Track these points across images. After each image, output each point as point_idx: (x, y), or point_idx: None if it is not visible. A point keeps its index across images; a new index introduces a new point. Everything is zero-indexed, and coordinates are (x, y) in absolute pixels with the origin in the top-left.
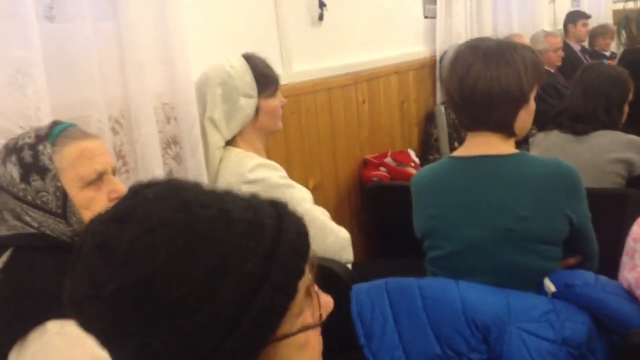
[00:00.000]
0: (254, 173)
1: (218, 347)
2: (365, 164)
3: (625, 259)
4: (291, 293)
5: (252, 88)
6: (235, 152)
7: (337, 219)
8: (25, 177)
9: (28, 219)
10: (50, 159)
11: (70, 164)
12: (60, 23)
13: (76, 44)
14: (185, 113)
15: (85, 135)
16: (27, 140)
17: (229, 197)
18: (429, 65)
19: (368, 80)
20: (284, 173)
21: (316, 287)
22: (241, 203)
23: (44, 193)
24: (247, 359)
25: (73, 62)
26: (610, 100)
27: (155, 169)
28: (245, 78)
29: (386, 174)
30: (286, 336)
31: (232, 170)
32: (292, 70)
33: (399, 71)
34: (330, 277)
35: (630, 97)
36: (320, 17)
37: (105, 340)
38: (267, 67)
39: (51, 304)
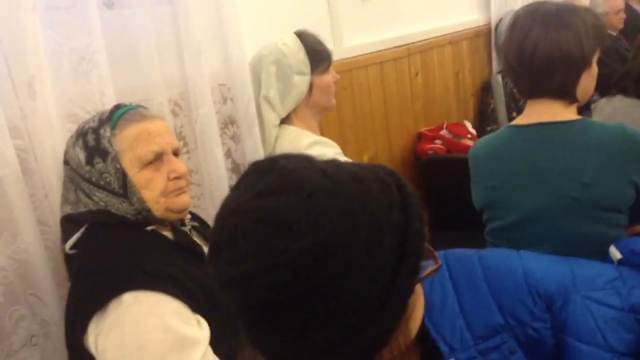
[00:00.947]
0: (310, 150)
1: (385, 297)
2: (420, 137)
3: None
4: (424, 237)
5: (305, 65)
6: (290, 129)
7: None
8: (89, 160)
9: (96, 198)
10: (110, 142)
11: (129, 146)
12: (119, 9)
13: (135, 30)
14: (241, 93)
15: (144, 117)
16: (92, 124)
17: (344, 163)
18: (484, 34)
19: (421, 52)
20: (338, 149)
21: None
22: (357, 166)
23: (106, 174)
24: (404, 306)
25: (133, 48)
26: None
27: (214, 148)
28: (299, 56)
29: (442, 147)
30: (420, 280)
31: (288, 148)
32: (344, 45)
33: (452, 41)
34: None
35: None
36: None
37: (280, 309)
38: (319, 43)
39: (125, 276)
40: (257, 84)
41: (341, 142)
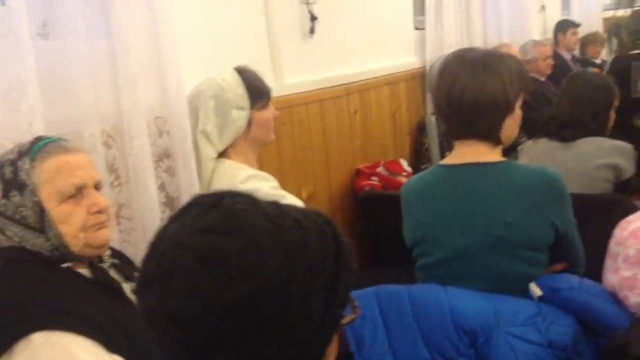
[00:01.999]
0: (246, 184)
1: (308, 347)
2: (358, 173)
3: (608, 262)
4: (351, 289)
5: (244, 100)
6: (227, 163)
7: None
8: (5, 193)
9: (10, 233)
10: (28, 174)
11: (49, 179)
12: (54, 40)
13: (69, 61)
14: (178, 126)
15: (65, 149)
16: (10, 156)
17: (285, 207)
18: (420, 76)
19: (360, 92)
20: (275, 183)
21: None
22: (298, 212)
23: (22, 208)
24: (322, 355)
25: (66, 78)
26: (597, 107)
27: (147, 182)
28: (238, 91)
29: (378, 183)
30: (340, 329)
31: (224, 182)
32: (284, 82)
33: (390, 82)
34: None
35: (616, 103)
36: (312, 30)
37: (213, 349)
38: (259, 79)
39: (33, 315)
40: (195, 117)
41: (280, 176)
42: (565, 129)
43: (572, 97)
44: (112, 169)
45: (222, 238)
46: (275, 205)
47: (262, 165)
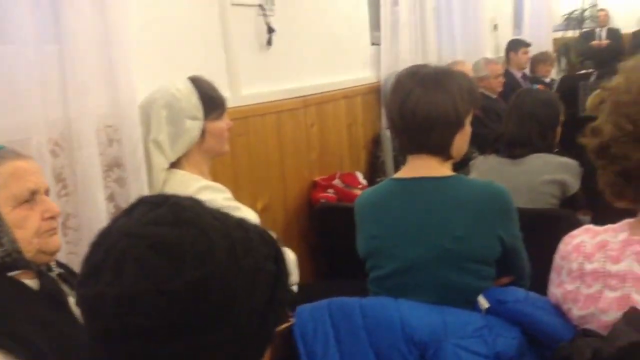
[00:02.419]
0: (199, 195)
1: (251, 342)
2: (314, 185)
3: (553, 276)
4: (287, 289)
5: (198, 110)
6: (179, 174)
7: (286, 240)
8: None
9: None
10: None
11: (3, 183)
12: (1, 45)
13: (17, 66)
14: (129, 135)
15: (17, 155)
16: None
17: (226, 212)
18: (375, 90)
19: (317, 104)
20: (229, 195)
21: None
22: (239, 217)
23: None
24: (263, 353)
25: (13, 84)
26: (543, 124)
27: (96, 192)
28: (191, 100)
29: (334, 196)
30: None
31: (176, 192)
32: (241, 93)
33: (347, 96)
34: None
35: (562, 118)
36: (269, 42)
37: (160, 334)
38: (214, 89)
39: None
40: (147, 126)
41: (235, 188)
42: (514, 147)
43: (519, 115)
44: (59, 178)
45: (173, 228)
46: (220, 210)
47: (216, 176)
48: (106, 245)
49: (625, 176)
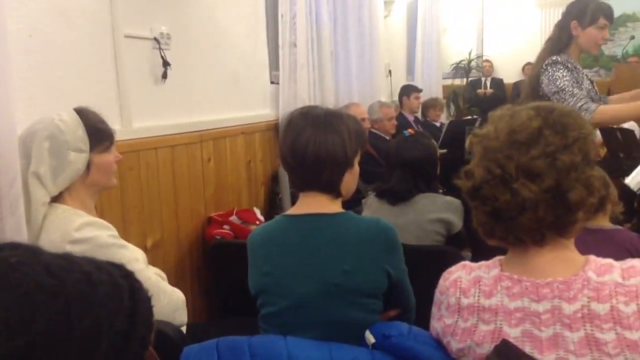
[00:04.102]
0: (81, 232)
1: None
2: (210, 221)
3: (434, 310)
4: (148, 345)
5: (83, 143)
6: (61, 209)
7: (178, 277)
8: None
9: None
10: None
11: None
12: None
13: None
14: (6, 166)
15: None
16: None
17: (77, 259)
18: (274, 128)
19: (214, 139)
20: (114, 232)
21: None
22: (91, 265)
23: None
24: None
25: None
26: (427, 176)
27: None
28: (77, 132)
29: (230, 232)
30: None
31: (56, 228)
32: (132, 126)
33: (245, 132)
34: (162, 340)
35: (438, 155)
36: (164, 76)
37: None
38: (101, 121)
39: None
40: (27, 158)
41: (123, 224)
42: (400, 193)
43: (402, 171)
44: None
45: None
46: (64, 257)
47: (103, 212)
48: None
49: (494, 216)
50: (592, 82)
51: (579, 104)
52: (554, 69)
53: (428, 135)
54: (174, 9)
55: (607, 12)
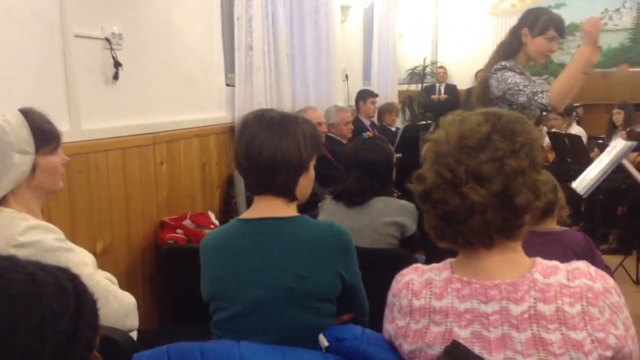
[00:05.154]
0: (26, 236)
1: None
2: (162, 225)
3: (386, 312)
4: (92, 347)
5: (28, 144)
6: (5, 212)
7: (129, 282)
8: None
9: None
10: None
11: None
12: None
13: None
14: None
15: None
16: None
17: (22, 261)
18: (230, 131)
19: (167, 142)
20: (61, 235)
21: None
22: (36, 267)
23: None
24: None
25: None
26: (382, 177)
27: None
28: (21, 133)
29: (183, 237)
30: None
31: (0, 233)
32: (82, 127)
33: (200, 134)
34: (111, 347)
35: (394, 161)
36: (116, 76)
37: None
38: (48, 122)
39: None
40: None
41: (71, 227)
42: (355, 197)
43: (359, 173)
44: None
45: None
46: (8, 259)
47: (51, 215)
48: None
49: (445, 219)
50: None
51: (534, 89)
52: (502, 72)
53: (386, 139)
54: (127, 9)
55: (559, 25)
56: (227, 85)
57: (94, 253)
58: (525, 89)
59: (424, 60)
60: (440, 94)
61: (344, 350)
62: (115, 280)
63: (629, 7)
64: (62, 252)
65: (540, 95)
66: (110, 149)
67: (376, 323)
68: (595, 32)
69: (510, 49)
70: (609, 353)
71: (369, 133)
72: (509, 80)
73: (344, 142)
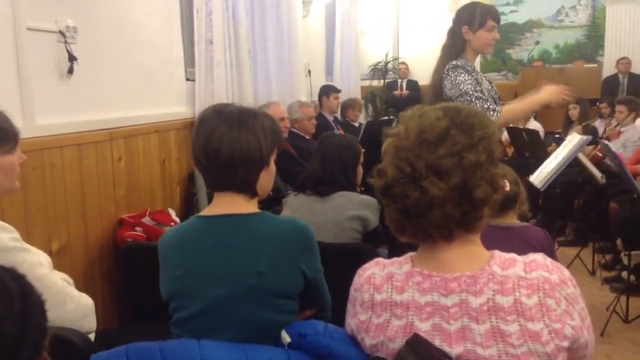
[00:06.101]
0: None
1: None
2: (121, 223)
3: (349, 307)
4: (41, 350)
5: None
6: None
7: (87, 282)
8: None
9: None
10: None
11: None
12: None
13: None
14: None
15: None
16: None
17: None
18: (190, 126)
19: (125, 137)
20: (16, 235)
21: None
22: None
23: None
24: None
25: None
26: (345, 164)
27: None
28: None
29: (143, 234)
30: None
31: None
32: (35, 123)
33: (159, 130)
34: (67, 348)
35: (361, 159)
36: (70, 71)
37: None
38: (5, 120)
39: None
40: None
41: (26, 226)
42: (320, 185)
43: (323, 157)
44: None
45: None
46: None
47: (4, 214)
48: None
49: (405, 213)
50: (490, 83)
51: (486, 105)
52: (456, 73)
53: (356, 139)
54: (82, 2)
55: (494, 14)
56: (187, 79)
57: (49, 252)
58: (477, 101)
59: (386, 56)
60: (402, 90)
61: (306, 346)
62: (71, 281)
63: (585, 4)
64: (16, 252)
65: (491, 113)
66: (66, 145)
67: (339, 318)
68: (556, 102)
69: (455, 49)
70: (565, 343)
71: (340, 132)
72: (462, 87)
73: (307, 137)
